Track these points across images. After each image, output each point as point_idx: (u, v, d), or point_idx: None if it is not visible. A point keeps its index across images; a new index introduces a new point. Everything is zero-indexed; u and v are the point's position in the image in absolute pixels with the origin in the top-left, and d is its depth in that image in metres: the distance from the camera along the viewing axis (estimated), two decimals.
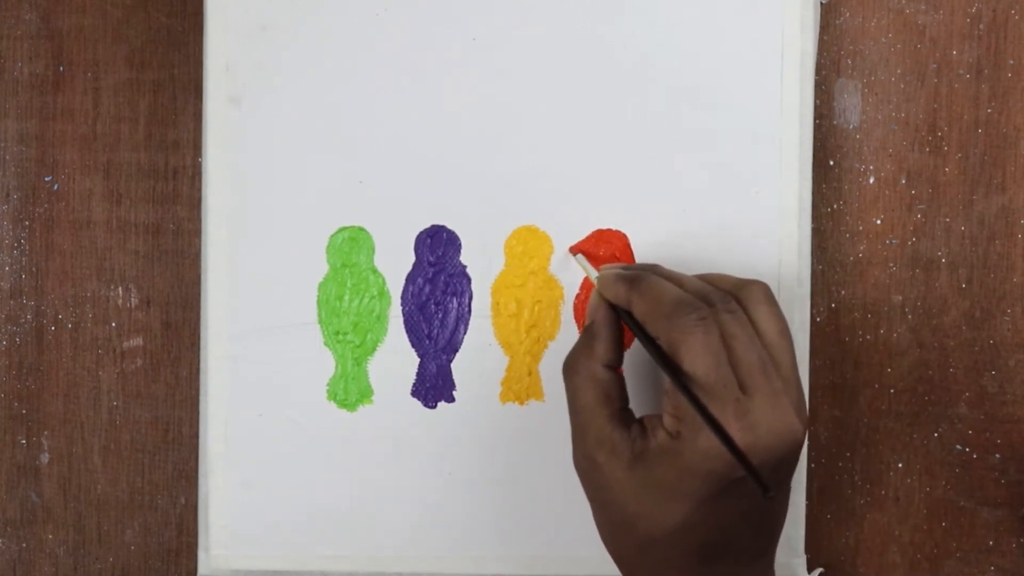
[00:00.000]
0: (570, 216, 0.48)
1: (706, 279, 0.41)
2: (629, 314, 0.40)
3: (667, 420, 0.38)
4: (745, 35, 0.48)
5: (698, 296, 0.39)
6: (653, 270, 0.42)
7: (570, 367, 0.41)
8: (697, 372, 0.37)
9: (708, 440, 0.36)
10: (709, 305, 0.38)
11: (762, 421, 0.36)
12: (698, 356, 0.37)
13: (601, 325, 0.41)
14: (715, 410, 0.36)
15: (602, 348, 0.41)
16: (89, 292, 0.51)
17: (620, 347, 0.41)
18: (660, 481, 0.38)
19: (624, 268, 0.42)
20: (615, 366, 0.41)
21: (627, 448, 0.39)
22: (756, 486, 0.35)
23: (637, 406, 0.42)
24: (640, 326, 0.40)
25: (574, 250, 0.48)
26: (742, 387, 0.37)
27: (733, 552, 0.39)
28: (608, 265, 0.43)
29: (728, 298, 0.39)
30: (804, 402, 0.39)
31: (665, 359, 0.38)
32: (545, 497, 0.48)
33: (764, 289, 0.40)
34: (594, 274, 0.44)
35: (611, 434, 0.39)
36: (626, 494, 0.38)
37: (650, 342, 0.39)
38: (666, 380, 0.38)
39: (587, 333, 0.41)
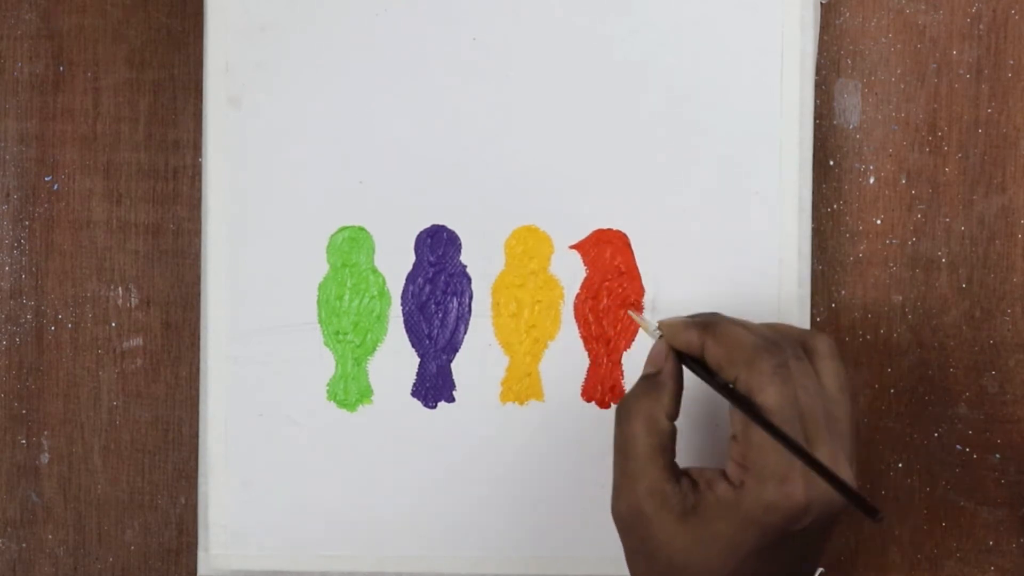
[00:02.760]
0: (570, 216, 0.48)
1: (773, 328, 0.41)
2: (698, 362, 0.40)
3: (731, 469, 0.38)
4: (745, 35, 0.48)
5: (769, 341, 0.39)
6: (717, 315, 0.42)
7: (630, 413, 0.40)
8: (772, 418, 0.37)
9: (773, 492, 0.36)
10: (781, 350, 0.38)
11: (819, 482, 0.36)
12: (775, 404, 0.37)
13: (668, 376, 0.41)
14: (784, 459, 0.36)
15: (667, 399, 0.40)
16: (89, 292, 0.51)
17: (680, 399, 0.41)
18: (715, 535, 0.37)
19: (689, 316, 0.42)
20: (675, 418, 0.40)
21: (679, 501, 0.38)
22: (864, 512, 0.34)
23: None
24: (709, 371, 0.39)
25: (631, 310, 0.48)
26: (806, 438, 0.37)
27: None
28: (667, 319, 0.43)
29: (797, 347, 0.39)
30: (855, 459, 0.39)
31: (745, 401, 0.38)
32: (545, 497, 0.48)
33: (831, 343, 0.40)
34: (650, 326, 0.43)
35: (664, 486, 0.38)
36: (674, 547, 0.38)
37: (723, 387, 0.39)
38: (735, 425, 0.38)
39: (651, 382, 0.41)
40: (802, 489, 0.36)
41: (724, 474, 0.38)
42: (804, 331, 0.41)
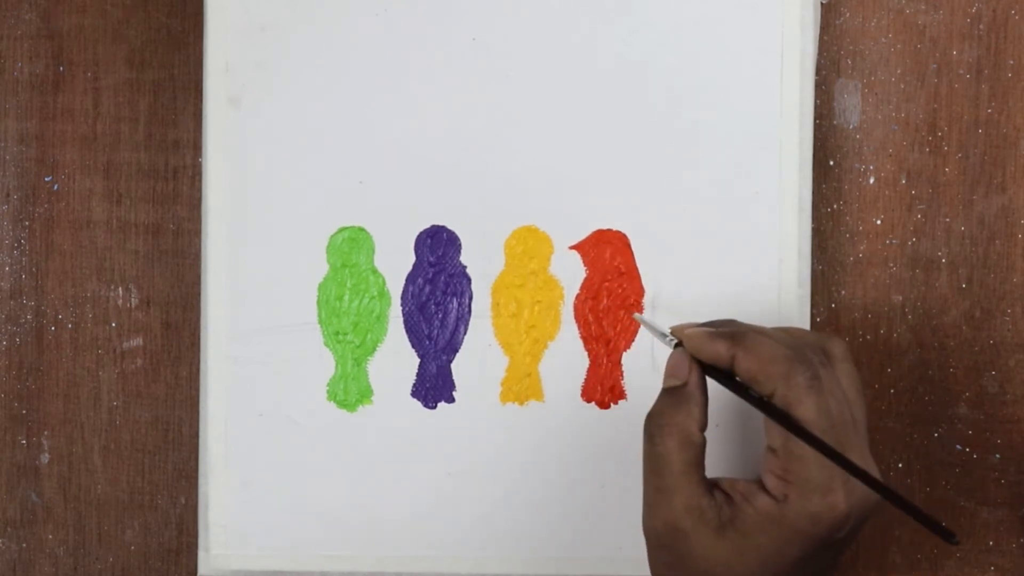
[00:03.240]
0: (570, 216, 0.48)
1: (790, 334, 0.41)
2: (725, 374, 0.39)
3: (772, 482, 0.37)
4: (745, 35, 0.48)
5: (798, 351, 0.38)
6: (738, 324, 0.41)
7: (662, 427, 0.39)
8: (814, 432, 0.37)
9: (819, 503, 0.36)
10: (810, 360, 0.38)
11: (856, 486, 0.37)
12: (814, 416, 0.37)
13: (695, 387, 0.40)
14: (826, 470, 0.36)
15: (697, 411, 0.39)
16: (89, 292, 0.51)
17: (707, 411, 0.40)
18: (757, 547, 0.37)
19: (709, 325, 0.41)
20: (705, 429, 0.40)
21: (715, 515, 0.38)
22: (940, 537, 0.34)
23: None
24: (740, 385, 0.39)
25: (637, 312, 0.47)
26: (840, 446, 0.37)
27: None
28: (684, 326, 0.41)
29: (821, 354, 0.39)
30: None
31: (784, 416, 0.37)
32: (545, 497, 0.48)
33: (845, 346, 0.40)
34: (663, 333, 0.42)
35: (700, 500, 0.38)
36: (712, 562, 0.38)
37: (757, 400, 0.38)
38: (773, 439, 0.37)
39: (678, 395, 0.40)
40: (843, 498, 0.36)
41: (762, 487, 0.38)
42: (819, 335, 0.41)
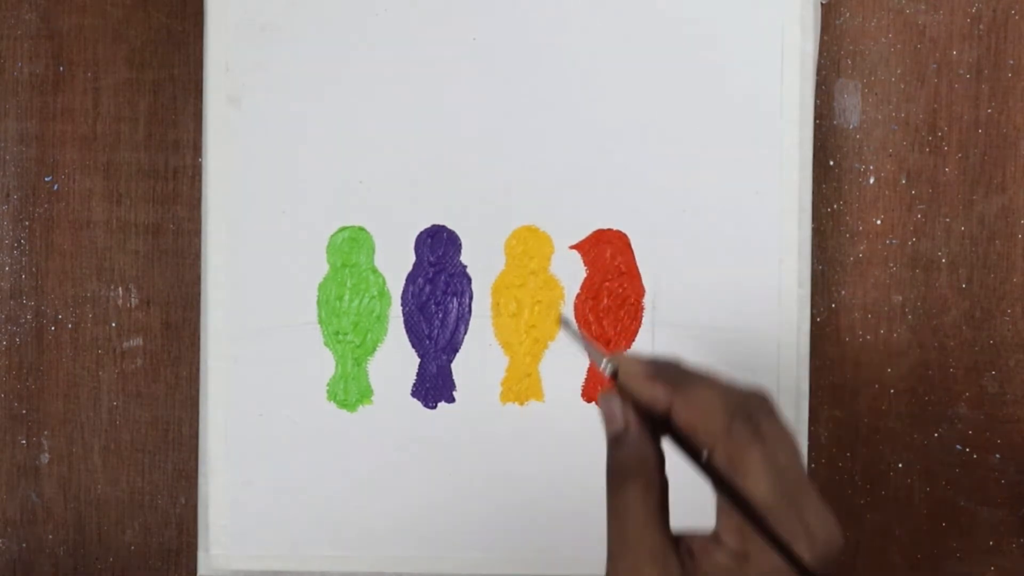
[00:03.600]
0: (570, 216, 0.48)
1: (727, 383, 0.38)
2: (663, 422, 0.36)
3: (730, 539, 0.35)
4: (745, 35, 0.48)
5: (737, 401, 0.36)
6: (679, 366, 0.37)
7: (628, 476, 0.37)
8: (761, 491, 0.35)
9: (779, 559, 0.34)
10: (749, 412, 0.36)
11: (818, 533, 0.35)
12: (762, 473, 0.35)
13: (638, 432, 0.37)
14: (782, 530, 0.34)
15: (649, 451, 0.37)
16: (89, 292, 0.51)
17: (660, 447, 0.37)
18: None
19: (650, 363, 0.37)
20: (663, 468, 0.37)
21: (677, 566, 0.36)
22: None
23: None
24: (679, 436, 0.36)
25: (565, 319, 0.46)
26: (792, 496, 0.35)
27: None
28: (624, 357, 0.38)
29: (762, 401, 0.36)
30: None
31: (722, 479, 0.35)
32: (545, 497, 0.48)
33: (769, 395, 0.37)
34: (600, 359, 0.37)
35: (664, 552, 0.36)
36: None
37: (697, 457, 0.35)
38: (721, 496, 0.35)
39: (625, 441, 0.37)
40: (806, 548, 0.35)
41: (719, 540, 0.36)
42: (747, 384, 0.38)
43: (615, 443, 0.38)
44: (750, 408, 0.36)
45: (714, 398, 0.36)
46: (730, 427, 0.35)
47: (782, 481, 0.35)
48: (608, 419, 0.38)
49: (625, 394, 0.37)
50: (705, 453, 0.35)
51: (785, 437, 0.37)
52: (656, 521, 0.37)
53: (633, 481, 0.37)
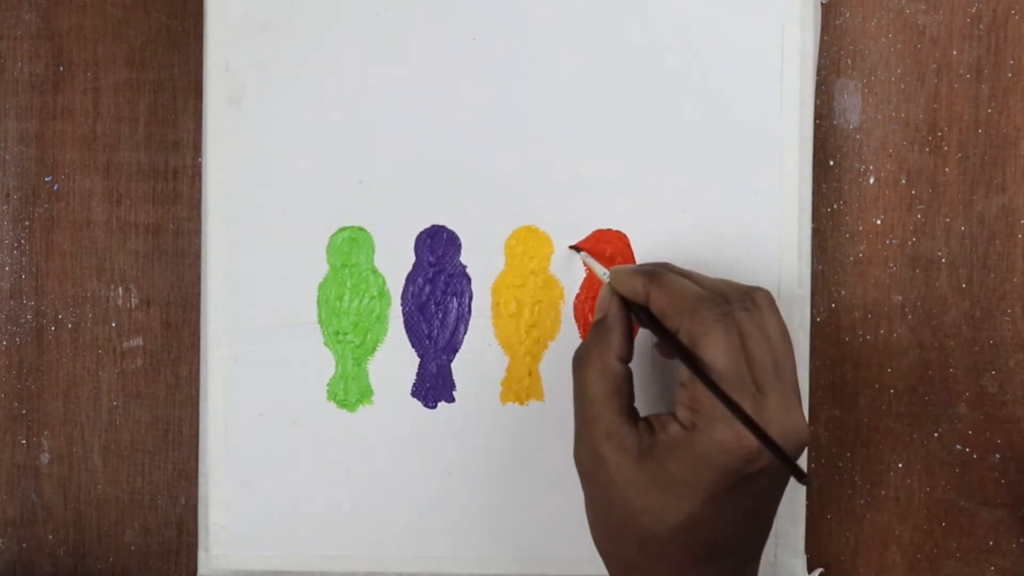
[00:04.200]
0: (570, 216, 0.48)
1: (721, 282, 0.42)
2: (643, 310, 0.41)
3: (681, 412, 0.38)
4: (745, 35, 0.48)
5: (714, 292, 0.40)
6: (665, 265, 0.42)
7: (582, 359, 0.41)
8: (717, 365, 0.37)
9: (724, 432, 0.37)
10: (726, 301, 0.39)
11: (775, 420, 0.37)
12: (719, 350, 0.37)
13: (615, 319, 0.41)
14: (737, 401, 0.37)
15: (616, 341, 0.41)
16: (89, 292, 0.51)
17: (632, 342, 0.42)
18: (671, 475, 0.38)
19: (637, 264, 0.42)
20: (627, 360, 0.41)
21: (635, 443, 0.39)
22: (793, 475, 0.35)
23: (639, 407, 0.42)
24: (656, 320, 0.40)
25: (578, 247, 0.48)
26: (756, 385, 0.38)
27: (732, 552, 0.39)
28: (619, 265, 0.43)
29: (745, 297, 0.40)
30: (801, 404, 0.40)
31: (685, 351, 0.38)
32: (545, 497, 0.48)
33: (769, 295, 0.41)
34: (600, 270, 0.44)
35: (620, 428, 0.39)
36: (631, 489, 0.38)
37: (668, 335, 0.39)
38: (682, 373, 0.38)
39: (599, 327, 0.42)
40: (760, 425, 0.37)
41: (675, 416, 0.39)
42: (746, 286, 0.41)
43: (592, 329, 0.42)
44: (729, 298, 0.39)
45: (685, 285, 0.40)
46: (696, 309, 0.38)
47: (747, 365, 0.38)
48: (598, 307, 0.43)
49: (615, 291, 0.42)
50: (674, 332, 0.39)
51: (767, 331, 0.40)
52: (612, 402, 0.40)
53: (591, 362, 0.41)
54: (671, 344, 0.39)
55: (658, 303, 0.40)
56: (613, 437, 0.39)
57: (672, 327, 0.39)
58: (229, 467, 0.48)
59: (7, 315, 0.51)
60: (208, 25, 0.48)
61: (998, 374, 0.49)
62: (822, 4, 0.49)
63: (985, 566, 0.50)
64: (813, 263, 0.48)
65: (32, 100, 0.51)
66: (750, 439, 0.36)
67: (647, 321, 0.41)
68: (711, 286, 0.40)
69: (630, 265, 0.42)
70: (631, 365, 0.42)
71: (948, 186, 0.50)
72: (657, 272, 0.41)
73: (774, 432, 0.37)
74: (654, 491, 0.38)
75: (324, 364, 0.48)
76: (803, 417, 0.38)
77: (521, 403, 0.48)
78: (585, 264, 0.47)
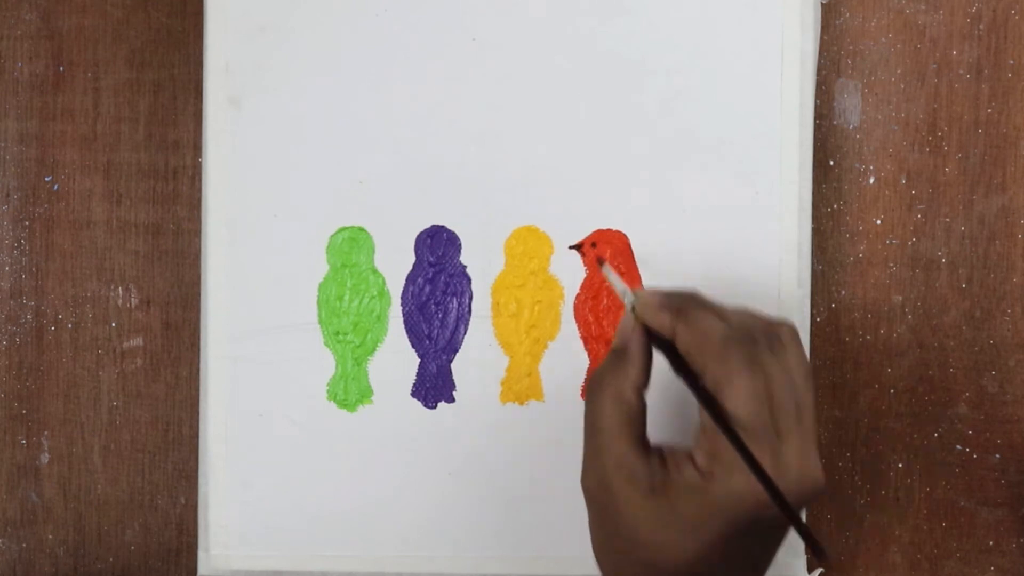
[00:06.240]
0: (570, 216, 0.48)
1: (745, 314, 0.40)
2: (668, 345, 0.39)
3: (700, 457, 0.37)
4: (745, 35, 0.48)
5: (742, 332, 0.38)
6: (693, 298, 0.41)
7: (597, 386, 0.40)
8: (740, 413, 0.36)
9: (741, 484, 0.36)
10: (753, 343, 0.38)
11: (793, 466, 0.36)
12: (744, 398, 0.36)
13: (636, 349, 0.40)
14: (756, 453, 0.36)
15: (634, 371, 0.39)
16: (89, 292, 0.51)
17: (649, 372, 0.40)
18: (682, 516, 0.37)
19: (665, 294, 0.40)
20: (643, 390, 0.40)
21: (646, 477, 0.38)
22: (812, 551, 0.34)
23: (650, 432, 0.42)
24: (680, 359, 0.39)
25: (601, 259, 0.47)
26: (776, 430, 0.37)
27: None
28: (645, 290, 0.41)
29: (772, 335, 0.39)
30: (819, 448, 0.39)
31: (707, 396, 0.37)
32: (545, 497, 0.48)
33: (794, 330, 0.40)
34: (621, 288, 0.42)
35: (631, 460, 0.38)
36: (638, 521, 0.38)
37: (692, 378, 0.38)
38: (703, 416, 0.37)
39: (619, 354, 0.40)
40: (775, 476, 0.36)
41: (692, 458, 0.38)
42: (771, 319, 0.40)
43: (610, 356, 0.41)
44: (754, 337, 0.38)
45: (714, 325, 0.38)
46: (722, 352, 0.37)
47: (769, 410, 0.37)
48: (619, 334, 0.41)
49: (639, 321, 0.40)
50: (699, 375, 0.38)
51: (789, 372, 0.38)
52: (625, 433, 0.39)
53: (605, 391, 0.39)
54: (694, 389, 0.38)
55: (685, 341, 0.38)
56: (623, 469, 0.38)
57: (696, 367, 0.38)
58: (229, 467, 0.48)
59: (7, 315, 0.51)
60: (208, 25, 0.48)
61: (998, 374, 0.49)
62: (822, 4, 0.49)
63: (985, 566, 0.50)
64: (813, 263, 0.48)
65: (32, 100, 0.51)
66: (766, 494, 0.36)
67: (671, 358, 0.39)
68: (738, 322, 0.39)
69: (655, 291, 0.41)
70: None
71: (948, 186, 0.50)
72: (685, 308, 0.39)
73: (791, 479, 0.36)
74: (661, 528, 0.37)
75: (324, 364, 0.48)
76: (819, 463, 0.37)
77: (521, 403, 0.48)
78: (607, 280, 0.45)
